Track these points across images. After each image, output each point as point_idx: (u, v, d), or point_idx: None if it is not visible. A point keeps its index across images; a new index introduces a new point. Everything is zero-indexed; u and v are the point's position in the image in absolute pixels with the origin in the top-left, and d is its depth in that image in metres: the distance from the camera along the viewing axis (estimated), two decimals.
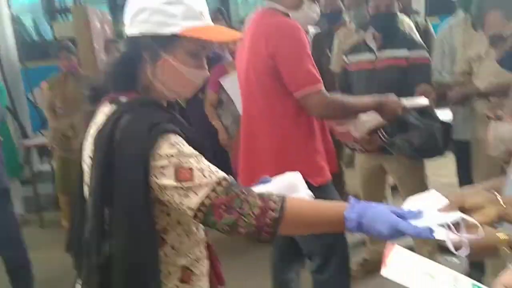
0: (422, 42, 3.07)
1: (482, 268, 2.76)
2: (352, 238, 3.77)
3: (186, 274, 1.33)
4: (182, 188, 1.17)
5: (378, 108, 2.28)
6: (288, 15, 2.13)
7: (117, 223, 1.21)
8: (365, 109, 2.30)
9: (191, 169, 1.18)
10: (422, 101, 2.60)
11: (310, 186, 1.66)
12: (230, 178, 1.22)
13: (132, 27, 1.28)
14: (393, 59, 2.90)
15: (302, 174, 1.63)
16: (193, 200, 1.17)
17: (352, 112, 2.33)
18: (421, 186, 3.10)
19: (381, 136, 2.85)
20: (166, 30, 1.25)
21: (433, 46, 3.37)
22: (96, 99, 1.34)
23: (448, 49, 3.01)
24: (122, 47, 1.34)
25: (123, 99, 1.28)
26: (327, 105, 2.11)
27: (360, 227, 1.15)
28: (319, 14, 2.26)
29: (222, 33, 1.36)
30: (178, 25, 1.24)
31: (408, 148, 2.74)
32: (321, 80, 2.10)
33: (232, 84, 3.51)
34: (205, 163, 1.20)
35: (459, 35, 2.97)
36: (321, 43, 4.01)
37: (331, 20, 4.02)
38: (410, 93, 2.78)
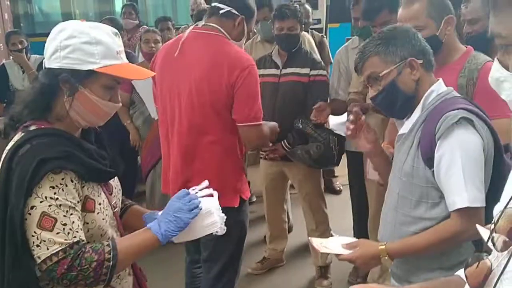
0: (322, 62, 3.37)
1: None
2: (252, 236, 4.05)
3: None
4: (38, 235, 1.28)
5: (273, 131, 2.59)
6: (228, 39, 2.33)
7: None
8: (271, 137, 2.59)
9: (55, 219, 1.28)
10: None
11: (241, 200, 2.26)
12: (80, 239, 1.33)
13: (52, 61, 1.39)
14: (296, 76, 3.19)
15: (236, 189, 2.15)
16: (43, 252, 1.28)
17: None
18: (317, 189, 3.44)
19: (284, 146, 3.15)
20: (84, 67, 1.37)
21: (325, 57, 3.87)
22: (13, 128, 1.44)
23: (344, 69, 3.32)
24: (41, 78, 1.43)
25: (33, 127, 1.39)
26: (263, 137, 2.42)
27: (166, 234, 1.41)
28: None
29: (136, 72, 1.53)
30: (96, 63, 1.38)
31: (308, 158, 3.06)
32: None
33: (144, 85, 3.50)
34: (71, 219, 1.31)
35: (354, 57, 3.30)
36: None
37: None
38: (310, 108, 3.08)
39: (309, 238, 1.97)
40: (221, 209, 1.54)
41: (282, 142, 3.14)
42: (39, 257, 1.29)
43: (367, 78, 1.66)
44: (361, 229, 3.30)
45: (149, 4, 8.18)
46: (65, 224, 1.29)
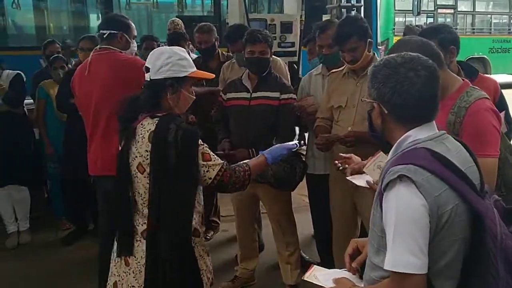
0: (291, 86, 3.46)
1: None
2: (224, 255, 4.09)
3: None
4: (205, 165, 2.05)
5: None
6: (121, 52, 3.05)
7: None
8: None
9: (209, 154, 2.07)
10: None
11: None
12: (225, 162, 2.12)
13: (158, 73, 2.08)
14: (267, 99, 3.26)
15: None
16: (212, 173, 2.06)
17: None
18: (287, 210, 3.50)
19: (251, 151, 3.16)
20: (182, 74, 2.11)
21: (295, 77, 4.04)
22: (134, 115, 2.11)
23: (305, 95, 3.44)
24: (150, 85, 2.10)
25: (159, 114, 2.06)
26: None
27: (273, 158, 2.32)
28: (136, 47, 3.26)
29: (206, 74, 2.36)
30: (187, 71, 2.13)
31: (270, 176, 3.11)
32: None
33: None
34: (212, 152, 2.10)
35: (318, 84, 3.41)
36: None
37: (205, 54, 4.31)
38: (280, 129, 3.16)
39: (314, 266, 1.97)
40: None
41: (251, 149, 3.16)
42: (210, 178, 2.06)
43: None
44: (323, 249, 3.38)
45: None
46: (214, 156, 2.09)
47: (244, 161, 2.27)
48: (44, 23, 8.45)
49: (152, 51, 2.17)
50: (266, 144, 3.10)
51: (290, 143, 2.42)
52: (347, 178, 2.39)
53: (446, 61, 2.66)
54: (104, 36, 3.05)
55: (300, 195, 4.23)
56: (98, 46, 3.11)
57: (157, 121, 2.03)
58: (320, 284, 1.78)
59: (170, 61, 2.08)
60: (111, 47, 3.03)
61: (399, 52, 1.61)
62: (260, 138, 3.19)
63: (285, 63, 4.16)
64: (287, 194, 3.47)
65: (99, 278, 3.13)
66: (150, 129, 2.01)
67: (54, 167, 4.62)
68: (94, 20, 8.58)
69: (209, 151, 2.07)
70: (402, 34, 5.42)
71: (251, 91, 3.30)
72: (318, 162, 3.44)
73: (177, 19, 5.74)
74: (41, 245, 4.45)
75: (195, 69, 2.17)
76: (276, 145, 2.40)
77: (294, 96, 3.35)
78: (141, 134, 2.03)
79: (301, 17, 5.55)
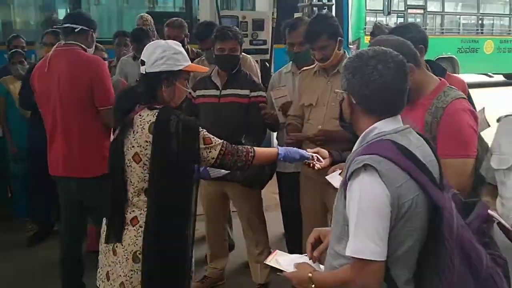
0: (261, 84, 3.43)
1: None
2: (194, 255, 4.03)
3: None
4: (207, 147, 2.14)
5: None
6: (85, 50, 3.01)
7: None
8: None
9: (210, 137, 2.17)
10: None
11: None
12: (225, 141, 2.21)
13: (153, 67, 2.12)
14: (236, 97, 3.23)
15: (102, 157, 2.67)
16: (214, 153, 2.16)
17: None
18: (257, 208, 3.47)
19: None
20: (176, 68, 2.16)
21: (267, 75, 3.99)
22: (130, 107, 2.13)
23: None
24: (146, 78, 2.16)
25: (157, 106, 2.11)
26: None
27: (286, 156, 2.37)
28: None
29: (200, 68, 2.63)
30: (182, 65, 2.17)
31: (239, 174, 3.05)
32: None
33: None
34: (212, 135, 2.19)
35: (289, 82, 3.40)
36: None
37: None
38: (250, 127, 3.13)
39: (277, 250, 2.04)
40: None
41: None
42: (212, 158, 2.16)
43: None
44: (294, 248, 3.35)
45: (94, 16, 8.02)
46: (214, 138, 2.19)
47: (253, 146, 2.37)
48: (10, 18, 8.22)
49: (148, 45, 2.21)
50: (236, 143, 3.08)
51: (307, 152, 2.44)
52: (326, 177, 2.40)
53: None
54: (75, 30, 2.96)
55: (272, 193, 4.21)
56: (63, 42, 3.02)
57: (157, 113, 2.08)
58: (281, 268, 1.82)
59: (165, 54, 2.13)
60: (78, 43, 2.96)
61: None
62: (230, 136, 3.12)
63: (256, 61, 4.14)
64: (257, 192, 3.44)
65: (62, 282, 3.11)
66: (150, 120, 2.06)
67: (18, 166, 4.49)
68: (62, 15, 8.37)
69: (209, 135, 2.18)
70: (370, 33, 5.43)
71: (220, 89, 3.26)
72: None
73: (146, 14, 5.62)
74: (10, 246, 4.32)
75: (189, 63, 2.23)
76: (294, 148, 2.46)
77: (264, 94, 3.33)
78: (141, 125, 2.07)
79: (273, 15, 5.53)
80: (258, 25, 5.35)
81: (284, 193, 3.63)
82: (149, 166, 2.06)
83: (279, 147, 2.44)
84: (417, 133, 1.63)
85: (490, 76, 16.29)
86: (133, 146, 2.08)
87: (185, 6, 8.14)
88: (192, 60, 4.05)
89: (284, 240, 4.02)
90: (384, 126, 1.55)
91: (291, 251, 3.60)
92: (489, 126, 2.55)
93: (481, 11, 15.82)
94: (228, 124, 3.18)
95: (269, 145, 3.33)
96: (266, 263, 1.91)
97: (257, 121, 3.26)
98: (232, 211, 3.94)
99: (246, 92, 3.23)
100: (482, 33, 15.84)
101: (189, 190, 2.13)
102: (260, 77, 3.89)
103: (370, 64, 1.52)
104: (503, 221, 1.67)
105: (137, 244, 2.08)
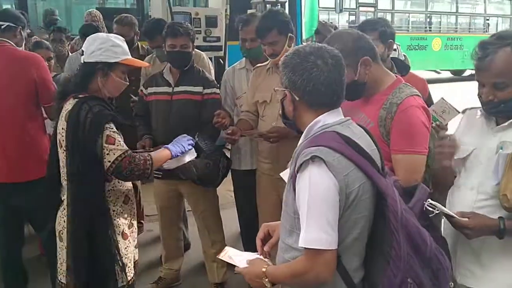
0: (214, 80, 3.39)
1: None
2: (148, 257, 3.96)
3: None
4: (107, 148, 2.14)
5: None
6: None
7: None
8: None
9: (115, 138, 2.16)
10: None
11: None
12: (128, 149, 2.21)
13: (91, 57, 2.23)
14: (189, 94, 3.17)
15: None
16: (112, 156, 2.15)
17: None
18: (212, 207, 3.43)
19: None
20: (113, 60, 2.24)
21: (222, 72, 3.92)
22: (64, 96, 2.24)
23: (230, 89, 3.42)
24: (83, 67, 2.27)
25: (81, 95, 2.19)
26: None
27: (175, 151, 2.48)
28: None
29: (139, 62, 2.63)
30: (119, 57, 2.26)
31: (193, 173, 2.97)
32: None
33: None
34: (121, 139, 2.19)
35: (242, 78, 3.37)
36: None
37: None
38: (204, 124, 3.08)
39: (227, 247, 2.04)
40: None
41: None
42: (109, 161, 2.15)
43: None
44: (250, 246, 3.34)
45: (40, 12, 7.74)
46: (119, 141, 2.18)
47: (147, 152, 2.39)
48: None
49: (89, 37, 2.30)
50: None
51: (190, 139, 2.61)
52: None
53: (385, 55, 2.71)
54: (1, 27, 2.95)
55: (227, 191, 4.18)
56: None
57: (75, 102, 2.17)
58: (234, 264, 1.82)
59: (103, 46, 2.22)
60: (6, 40, 2.94)
61: (333, 44, 1.71)
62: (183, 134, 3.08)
63: (210, 58, 4.09)
64: (212, 191, 3.39)
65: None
66: (67, 108, 2.19)
67: None
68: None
69: (116, 136, 2.17)
70: (314, 31, 5.43)
71: (173, 86, 3.20)
72: (244, 157, 3.40)
73: (95, 10, 5.48)
74: None
75: (128, 56, 2.30)
76: (179, 137, 2.59)
77: (217, 91, 3.29)
78: (62, 113, 2.21)
79: (226, 12, 5.50)
80: (211, 21, 5.31)
81: (239, 191, 3.60)
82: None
83: (167, 146, 2.50)
84: (357, 124, 1.68)
85: (438, 73, 16.84)
86: (58, 133, 2.23)
87: (136, 2, 7.98)
88: (142, 57, 4.02)
89: (240, 239, 4.00)
90: (327, 119, 1.59)
91: (247, 250, 3.61)
92: (458, 112, 2.52)
93: (429, 9, 16.33)
94: (181, 122, 3.12)
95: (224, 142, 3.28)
96: (219, 257, 1.93)
97: (210, 119, 3.21)
98: (188, 210, 3.88)
99: (199, 89, 3.18)
100: (430, 30, 16.35)
101: (100, 177, 2.20)
102: (214, 74, 3.84)
103: (309, 60, 1.56)
104: (445, 209, 1.70)
105: (60, 224, 2.29)
